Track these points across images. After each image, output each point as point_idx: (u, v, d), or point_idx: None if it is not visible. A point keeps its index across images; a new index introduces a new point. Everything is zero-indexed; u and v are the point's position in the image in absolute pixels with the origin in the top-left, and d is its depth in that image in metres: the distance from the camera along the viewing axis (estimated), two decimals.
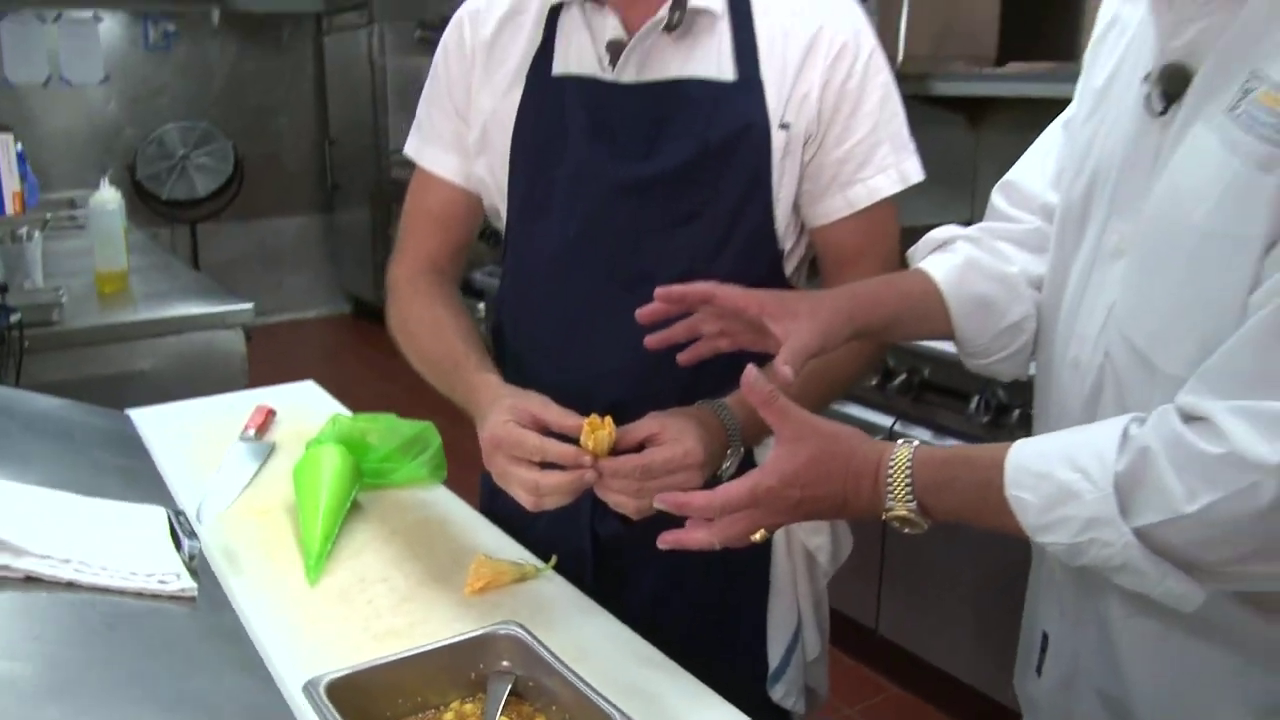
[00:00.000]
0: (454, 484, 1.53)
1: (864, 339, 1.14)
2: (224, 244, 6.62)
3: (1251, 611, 0.89)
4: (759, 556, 1.35)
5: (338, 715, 0.74)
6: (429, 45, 6.37)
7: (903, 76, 3.13)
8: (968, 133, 3.48)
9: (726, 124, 1.23)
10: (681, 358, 1.13)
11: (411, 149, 1.44)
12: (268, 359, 3.61)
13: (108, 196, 2.84)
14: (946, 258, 1.18)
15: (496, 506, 1.39)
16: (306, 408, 1.82)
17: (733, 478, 0.99)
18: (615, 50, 1.26)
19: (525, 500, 1.09)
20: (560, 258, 1.31)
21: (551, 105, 1.29)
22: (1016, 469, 0.87)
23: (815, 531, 1.36)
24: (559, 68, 1.29)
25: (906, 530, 0.93)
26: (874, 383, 2.64)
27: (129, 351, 2.46)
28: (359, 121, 6.59)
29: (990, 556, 2.38)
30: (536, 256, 1.34)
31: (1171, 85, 0.92)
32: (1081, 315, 1.02)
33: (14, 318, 2.13)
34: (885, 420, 2.66)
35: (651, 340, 1.12)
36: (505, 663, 0.85)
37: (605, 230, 1.28)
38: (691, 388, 1.22)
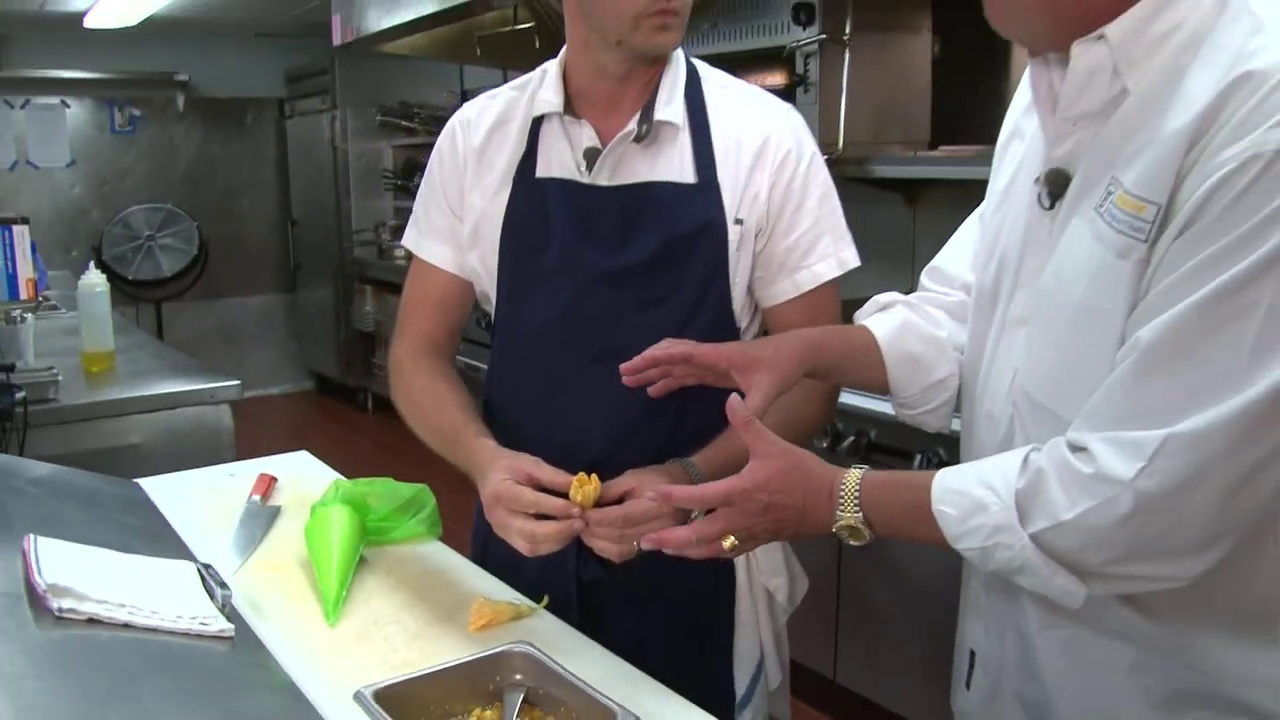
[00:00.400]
0: (446, 539, 1.68)
1: (814, 378, 1.33)
2: (188, 322, 6.74)
3: (1132, 610, 1.07)
4: (725, 597, 1.52)
5: (386, 715, 0.89)
6: (389, 130, 6.61)
7: (844, 161, 3.37)
8: (905, 211, 3.71)
9: (689, 221, 1.43)
10: (653, 390, 1.31)
11: (410, 242, 1.63)
12: (235, 432, 3.73)
13: (95, 280, 2.98)
14: (886, 318, 1.37)
15: (488, 557, 1.55)
16: (303, 475, 1.97)
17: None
18: (591, 157, 1.46)
19: (522, 547, 1.26)
20: (544, 337, 1.49)
21: (536, 204, 1.48)
22: (941, 488, 1.06)
23: (774, 573, 1.54)
24: (541, 171, 1.49)
25: (852, 542, 1.11)
26: (824, 444, 2.83)
27: (122, 426, 2.59)
28: (321, 203, 6.78)
29: (939, 604, 2.56)
30: (523, 336, 1.52)
31: (1055, 186, 1.12)
32: (994, 375, 1.22)
33: (19, 395, 2.26)
34: None
35: (631, 381, 1.29)
36: (518, 676, 1.01)
37: (584, 313, 1.46)
38: (663, 449, 1.41)
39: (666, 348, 1.27)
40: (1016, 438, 1.17)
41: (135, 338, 3.53)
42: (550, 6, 4.51)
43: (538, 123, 1.49)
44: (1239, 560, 0.99)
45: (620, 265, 1.44)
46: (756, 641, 1.54)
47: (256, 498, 1.81)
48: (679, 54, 1.48)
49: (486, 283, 1.55)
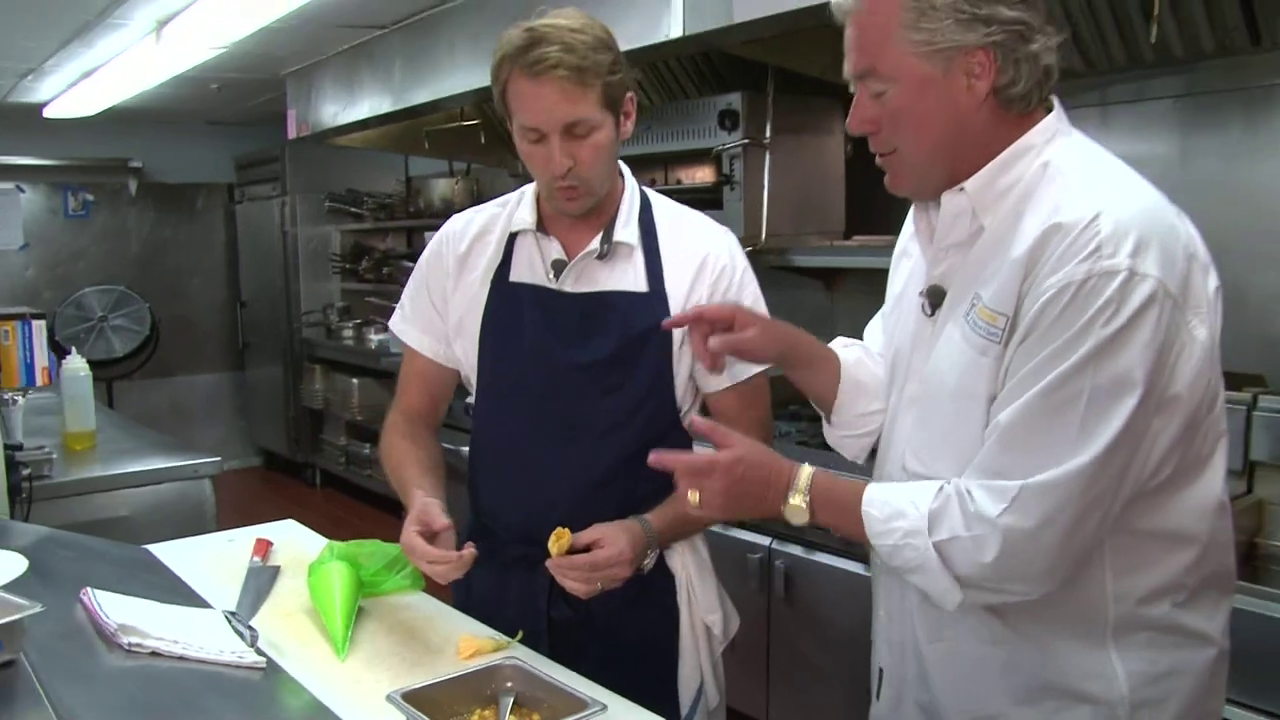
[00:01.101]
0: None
1: (786, 366, 1.64)
2: (138, 399, 6.90)
3: (1000, 622, 1.38)
4: (670, 632, 1.82)
5: (418, 711, 1.17)
6: (336, 215, 6.88)
7: (768, 251, 3.72)
8: (825, 295, 4.06)
9: (641, 324, 1.73)
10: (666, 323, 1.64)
11: (394, 325, 1.97)
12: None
13: (78, 365, 3.21)
14: (848, 349, 1.69)
15: (472, 599, 1.84)
16: (293, 540, 2.23)
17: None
18: (558, 267, 1.78)
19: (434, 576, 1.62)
20: (520, 416, 1.81)
21: (511, 305, 1.80)
22: (870, 495, 1.36)
23: (710, 610, 1.85)
24: (515, 276, 1.81)
25: (794, 521, 1.39)
26: None
27: (113, 500, 2.82)
28: (270, 284, 7.02)
29: (857, 648, 2.87)
30: (501, 415, 1.83)
31: (934, 298, 1.45)
32: (892, 447, 1.53)
33: (25, 471, 2.50)
34: (764, 540, 3.15)
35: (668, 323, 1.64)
36: (509, 683, 1.28)
37: (552, 398, 1.77)
38: (620, 509, 1.71)
39: (680, 315, 1.60)
40: None
41: (108, 416, 3.75)
42: (494, 109, 4.88)
43: (514, 236, 1.82)
44: (1076, 581, 1.31)
45: (585, 359, 1.75)
46: (697, 668, 1.83)
47: (257, 559, 2.07)
48: (633, 184, 1.82)
49: (468, 369, 1.87)
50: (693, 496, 1.41)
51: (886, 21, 1.32)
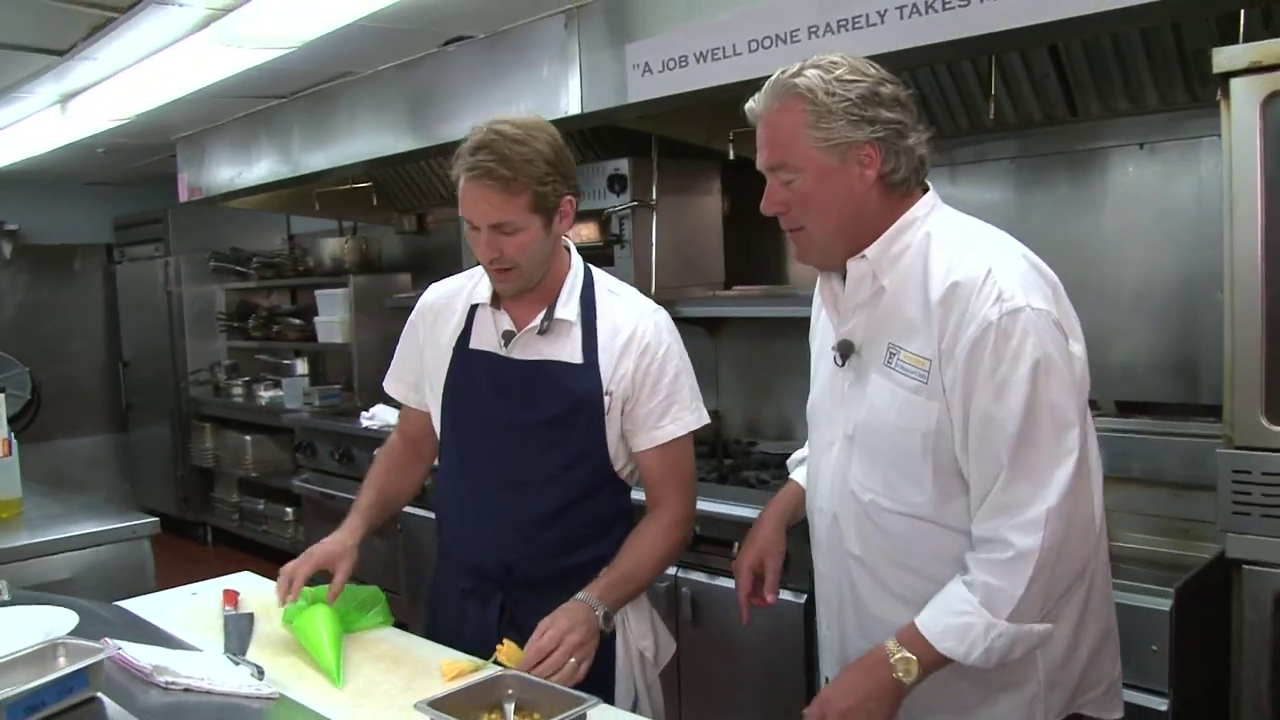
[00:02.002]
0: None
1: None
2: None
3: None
4: (608, 658, 2.04)
5: (438, 712, 1.42)
6: (221, 274, 6.94)
7: (658, 303, 3.98)
8: (709, 341, 4.36)
9: (578, 390, 2.00)
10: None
11: (386, 385, 2.32)
12: None
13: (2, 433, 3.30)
14: (800, 470, 2.00)
15: (434, 628, 2.10)
16: (253, 589, 2.41)
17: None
18: (508, 337, 2.05)
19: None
20: (474, 467, 2.09)
21: (470, 368, 2.08)
22: (932, 635, 1.56)
23: (643, 637, 2.12)
24: (474, 344, 2.09)
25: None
26: None
27: (55, 564, 2.92)
28: (154, 344, 7.03)
29: (768, 671, 3.17)
30: (460, 466, 2.11)
31: (844, 351, 1.75)
32: (820, 480, 1.81)
33: None
34: (669, 570, 3.43)
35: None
36: (510, 690, 1.54)
37: (502, 451, 2.05)
38: (556, 549, 2.02)
39: (744, 586, 1.99)
40: (845, 521, 1.74)
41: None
42: (388, 173, 5.09)
43: (474, 308, 2.10)
44: None
45: (530, 419, 2.02)
46: (631, 690, 2.08)
47: (229, 608, 2.26)
48: (578, 263, 2.09)
49: (435, 421, 2.15)
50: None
51: (793, 123, 1.62)
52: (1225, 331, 2.21)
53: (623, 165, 3.97)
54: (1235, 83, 2.15)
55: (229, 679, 1.72)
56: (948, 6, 2.47)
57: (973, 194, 3.34)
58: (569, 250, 2.10)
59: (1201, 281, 2.93)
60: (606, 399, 2.00)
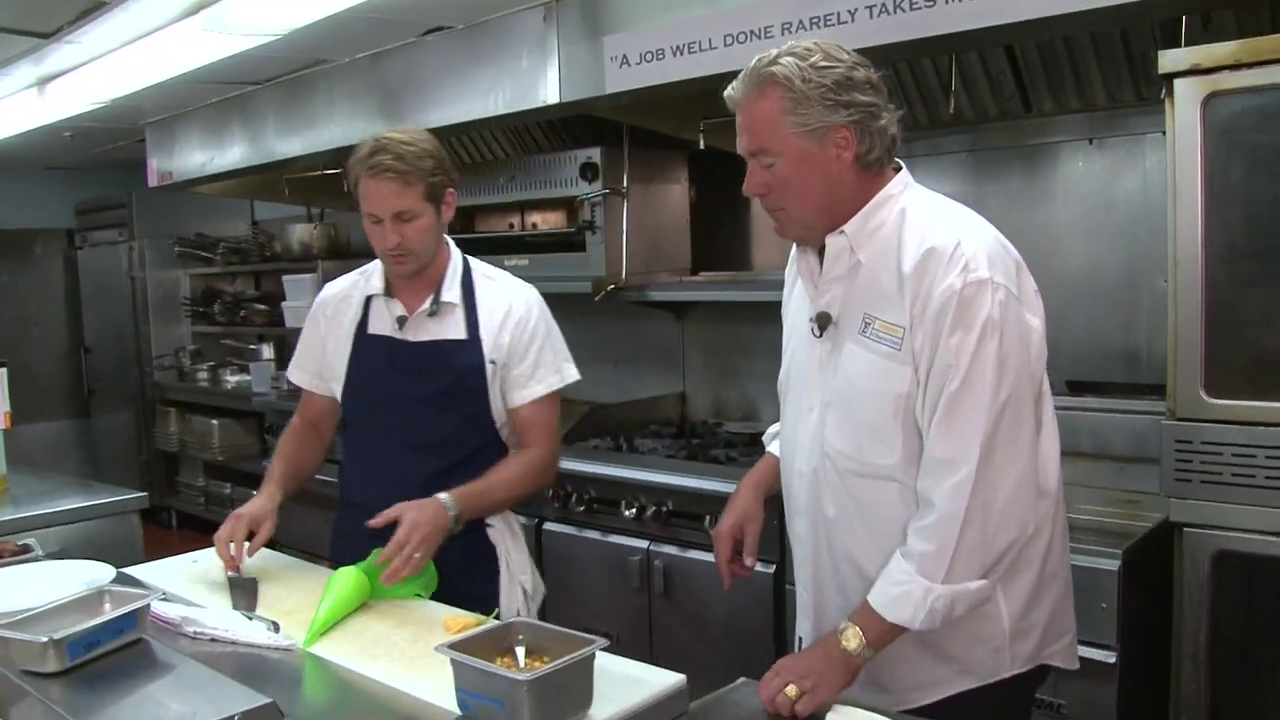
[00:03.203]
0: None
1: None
2: None
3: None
4: (494, 591, 2.38)
5: (459, 654, 1.54)
6: (185, 259, 6.95)
7: (627, 288, 4.15)
8: (675, 325, 4.51)
9: (463, 363, 2.34)
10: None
11: (290, 373, 2.63)
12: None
13: None
14: (776, 442, 2.11)
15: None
16: (256, 557, 2.52)
17: None
18: (401, 321, 2.37)
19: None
20: (376, 434, 2.41)
21: (370, 351, 2.41)
22: (881, 606, 1.68)
23: (522, 571, 2.44)
24: (372, 329, 2.41)
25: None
26: (632, 514, 3.55)
27: (41, 539, 2.98)
28: (116, 330, 7.03)
29: (739, 639, 3.31)
30: (363, 435, 2.46)
31: (821, 322, 1.86)
32: (798, 444, 1.92)
33: None
34: (642, 544, 3.58)
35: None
36: (520, 635, 1.66)
37: (401, 421, 2.37)
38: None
39: (723, 552, 2.07)
40: (822, 483, 1.86)
41: None
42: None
43: (370, 299, 2.42)
44: None
45: (425, 391, 2.34)
46: (513, 615, 2.30)
47: (232, 573, 2.36)
48: (457, 254, 2.41)
49: (340, 399, 2.47)
50: (791, 690, 1.67)
51: (771, 110, 1.71)
52: (1169, 313, 2.38)
53: (595, 154, 4.09)
54: (1179, 83, 2.32)
55: (249, 631, 1.83)
56: (915, 6, 2.62)
57: (928, 186, 3.46)
58: (449, 243, 2.42)
59: (1145, 270, 3.13)
60: (489, 368, 2.35)
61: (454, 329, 2.36)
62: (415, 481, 2.28)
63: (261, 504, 2.39)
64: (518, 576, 2.44)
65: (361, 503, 2.37)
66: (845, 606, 1.83)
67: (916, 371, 1.71)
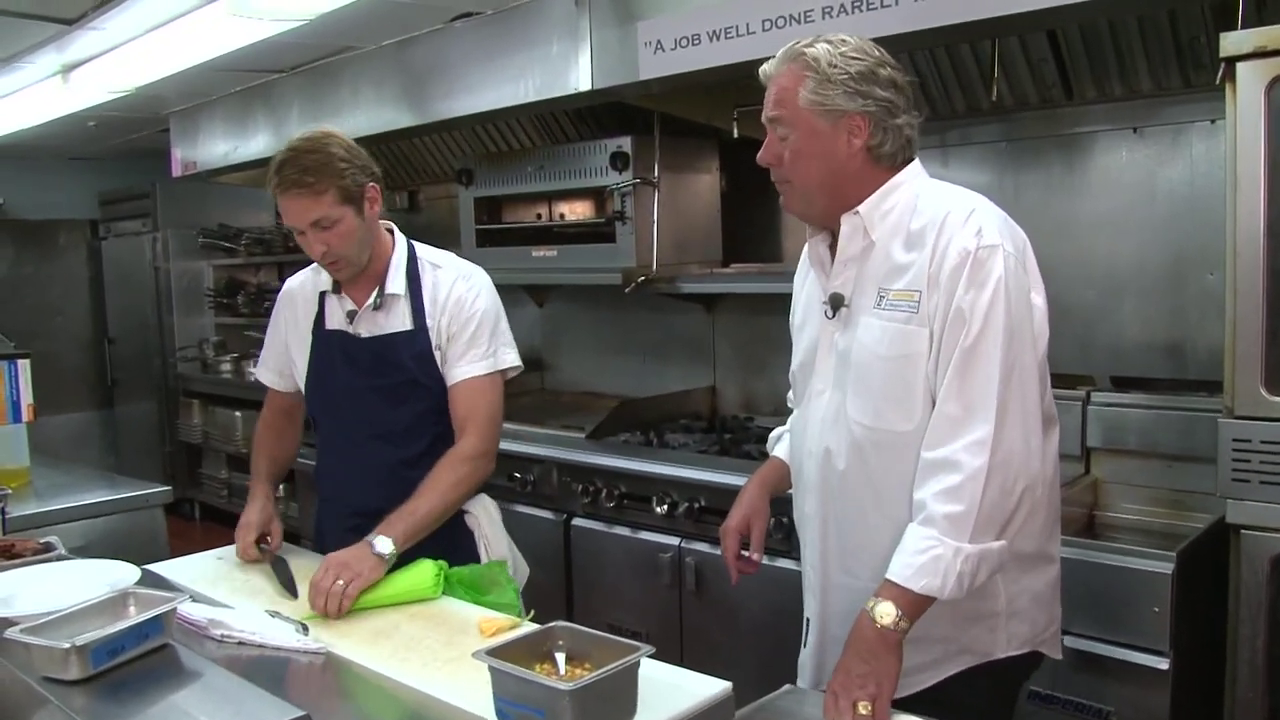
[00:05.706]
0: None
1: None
2: None
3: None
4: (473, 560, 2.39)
5: (498, 660, 1.47)
6: (209, 250, 6.93)
7: (657, 280, 4.07)
8: (706, 318, 4.43)
9: (413, 353, 2.36)
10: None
11: (259, 371, 2.68)
12: None
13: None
14: (782, 443, 2.13)
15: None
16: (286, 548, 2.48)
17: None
18: (351, 316, 2.40)
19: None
20: (338, 427, 2.47)
21: (327, 347, 2.44)
22: (904, 579, 1.66)
23: (497, 540, 2.46)
24: (328, 324, 2.44)
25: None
26: (663, 511, 3.48)
27: (64, 533, 2.93)
28: (140, 321, 7.01)
29: (768, 634, 3.24)
30: (330, 432, 2.50)
31: (835, 303, 1.89)
32: (809, 424, 1.94)
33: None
34: (673, 540, 3.51)
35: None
36: (561, 641, 1.59)
37: (360, 413, 2.40)
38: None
39: (730, 547, 2.10)
40: (834, 452, 1.86)
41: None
42: (381, 149, 5.12)
43: (323, 295, 2.44)
44: None
45: (378, 384, 2.39)
46: None
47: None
48: (402, 242, 2.42)
49: (304, 398, 2.53)
50: (862, 708, 1.64)
51: (795, 85, 1.80)
52: (1227, 306, 2.29)
53: (625, 143, 4.02)
54: (1241, 67, 2.22)
55: (278, 634, 1.78)
56: None
57: (964, 175, 3.40)
58: (392, 232, 2.44)
59: (1191, 262, 3.03)
60: (437, 354, 2.38)
61: (400, 320, 2.38)
62: (384, 471, 2.36)
63: (264, 509, 2.46)
64: (494, 552, 2.46)
65: (336, 496, 2.51)
66: (851, 586, 1.86)
67: (933, 334, 1.75)
